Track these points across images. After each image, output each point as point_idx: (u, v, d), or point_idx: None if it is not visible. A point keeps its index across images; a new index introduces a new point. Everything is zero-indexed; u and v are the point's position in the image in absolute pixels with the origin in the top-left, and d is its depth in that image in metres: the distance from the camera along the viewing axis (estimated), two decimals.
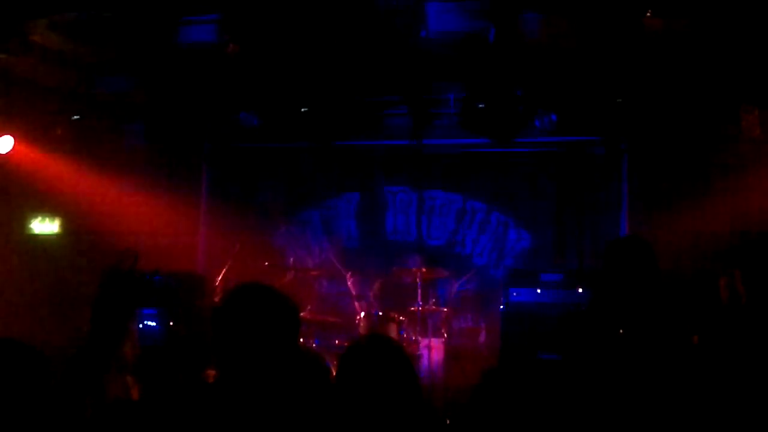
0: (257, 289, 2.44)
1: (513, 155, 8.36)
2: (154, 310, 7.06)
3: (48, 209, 8.61)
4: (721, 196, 7.01)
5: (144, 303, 6.37)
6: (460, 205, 8.78)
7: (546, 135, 7.49)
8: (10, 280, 8.07)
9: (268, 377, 2.30)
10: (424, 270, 7.13)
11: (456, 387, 6.78)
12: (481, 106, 6.98)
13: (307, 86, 7.24)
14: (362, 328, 6.95)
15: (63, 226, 8.65)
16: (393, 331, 6.82)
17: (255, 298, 2.40)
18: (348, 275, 7.70)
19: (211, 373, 6.01)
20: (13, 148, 7.62)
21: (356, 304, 7.43)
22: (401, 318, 6.99)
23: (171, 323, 7.07)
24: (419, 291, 7.01)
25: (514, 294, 6.44)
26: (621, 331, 3.59)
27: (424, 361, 6.93)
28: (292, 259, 7.93)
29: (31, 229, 8.66)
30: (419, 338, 7.01)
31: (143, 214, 8.15)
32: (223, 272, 7.09)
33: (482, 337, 7.75)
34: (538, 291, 6.39)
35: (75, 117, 7.93)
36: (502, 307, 6.48)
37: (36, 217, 8.64)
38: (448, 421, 5.89)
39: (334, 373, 3.74)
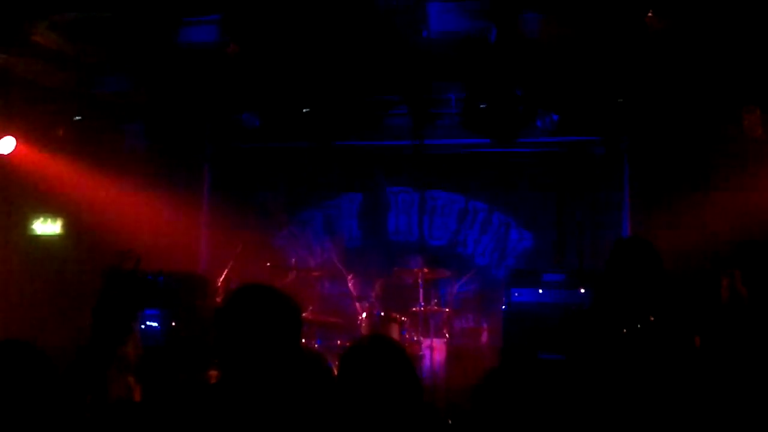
0: (259, 289, 2.44)
1: (514, 155, 8.35)
2: (155, 311, 7.04)
3: (49, 210, 8.61)
4: (722, 196, 6.99)
5: (147, 304, 6.43)
6: (462, 205, 8.77)
7: (547, 135, 7.51)
8: (11, 280, 8.09)
9: (271, 378, 2.30)
10: (425, 270, 7.12)
11: (458, 387, 6.76)
12: (482, 106, 6.99)
13: (308, 86, 7.24)
14: (364, 328, 6.93)
15: (64, 226, 8.64)
16: (395, 332, 6.80)
17: (257, 299, 2.40)
18: (349, 276, 7.70)
19: (213, 373, 6.00)
20: (15, 148, 7.63)
21: (358, 304, 7.40)
22: (403, 318, 6.98)
23: (173, 324, 7.05)
24: (421, 291, 7.01)
25: (516, 294, 6.43)
26: (625, 330, 3.59)
27: (426, 362, 6.92)
28: (293, 260, 7.92)
29: (32, 229, 8.66)
30: (421, 339, 7.01)
31: (145, 215, 8.13)
32: (225, 273, 7.07)
33: (484, 338, 7.74)
34: (540, 291, 6.38)
35: (76, 117, 7.94)
36: (503, 307, 6.47)
37: (38, 217, 8.64)
38: (449, 422, 5.88)
39: (336, 374, 3.74)
